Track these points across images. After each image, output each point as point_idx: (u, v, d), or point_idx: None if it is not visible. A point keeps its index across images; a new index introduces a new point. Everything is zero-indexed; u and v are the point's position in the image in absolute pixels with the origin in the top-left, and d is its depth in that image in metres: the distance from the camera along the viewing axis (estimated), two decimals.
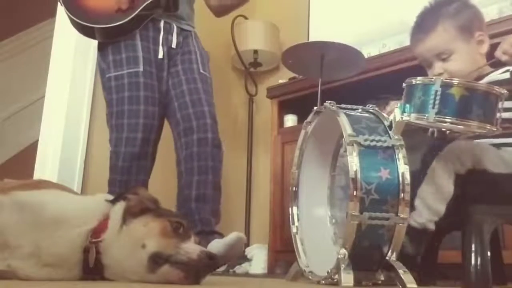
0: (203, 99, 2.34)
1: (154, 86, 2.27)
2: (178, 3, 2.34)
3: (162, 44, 2.32)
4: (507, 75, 1.53)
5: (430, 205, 1.44)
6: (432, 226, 1.45)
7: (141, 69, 2.22)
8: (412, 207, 1.43)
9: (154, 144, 2.30)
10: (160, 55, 2.30)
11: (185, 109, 2.31)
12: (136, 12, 2.23)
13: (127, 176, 2.18)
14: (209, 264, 1.19)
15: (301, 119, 3.06)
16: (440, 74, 1.64)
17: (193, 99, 2.32)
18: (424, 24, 1.72)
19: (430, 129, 1.72)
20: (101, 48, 2.32)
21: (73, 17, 2.23)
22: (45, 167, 2.82)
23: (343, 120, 1.37)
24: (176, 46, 2.37)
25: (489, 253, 1.40)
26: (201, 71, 2.40)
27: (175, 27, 2.38)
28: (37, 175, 2.80)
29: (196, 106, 2.31)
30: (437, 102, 1.27)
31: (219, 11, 2.66)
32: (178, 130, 2.32)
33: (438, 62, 1.66)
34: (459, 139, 1.63)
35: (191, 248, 1.19)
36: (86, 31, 2.29)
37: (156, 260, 1.16)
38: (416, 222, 1.45)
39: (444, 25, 1.66)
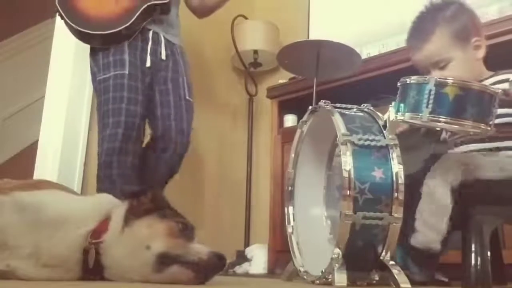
0: (185, 129, 2.41)
1: (138, 88, 2.31)
2: (170, 7, 2.39)
3: (150, 54, 2.37)
4: (506, 85, 1.52)
5: (432, 225, 1.41)
6: (437, 246, 1.42)
7: (126, 71, 2.27)
8: (411, 229, 1.43)
9: (137, 141, 2.31)
10: (148, 64, 2.35)
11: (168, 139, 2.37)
12: (134, 18, 2.28)
13: (109, 170, 2.20)
14: (218, 264, 1.20)
15: (301, 119, 3.06)
16: None
17: (178, 128, 2.38)
18: (420, 30, 1.70)
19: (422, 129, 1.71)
20: (93, 53, 2.37)
21: (72, 24, 2.27)
22: (45, 167, 2.81)
23: (337, 119, 1.37)
24: (166, 58, 2.42)
25: (489, 253, 1.40)
26: (187, 97, 2.45)
27: (163, 38, 2.42)
28: (37, 175, 2.79)
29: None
30: (431, 101, 1.27)
31: (201, 12, 2.72)
32: (156, 147, 2.39)
33: (436, 70, 1.64)
34: (459, 145, 1.64)
35: (200, 248, 1.20)
36: (84, 37, 2.33)
37: (164, 260, 1.17)
38: (419, 243, 1.42)
39: (440, 31, 1.64)
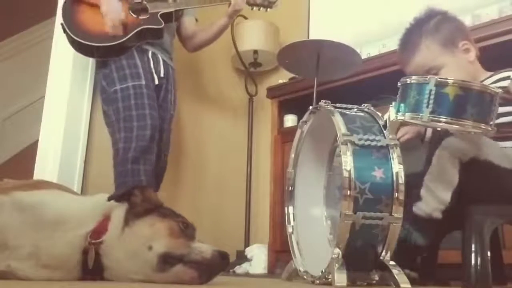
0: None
1: (154, 96, 2.57)
2: (162, 33, 2.62)
3: (155, 71, 2.64)
4: (507, 83, 1.52)
5: (436, 194, 1.43)
6: (438, 215, 1.44)
7: (143, 82, 2.52)
8: (418, 197, 1.45)
9: (158, 142, 2.52)
10: (156, 82, 2.61)
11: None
12: (129, 36, 2.51)
13: (136, 165, 2.39)
14: (222, 263, 1.20)
15: (301, 119, 3.06)
16: None
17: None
18: (407, 44, 1.75)
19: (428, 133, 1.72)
20: (102, 68, 2.58)
21: (73, 36, 2.48)
22: (45, 167, 2.81)
23: (338, 120, 1.37)
24: (163, 76, 2.68)
25: (489, 253, 1.40)
26: (171, 112, 2.75)
27: (161, 59, 2.68)
28: (37, 175, 2.79)
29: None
30: (431, 101, 1.27)
31: (192, 46, 3.01)
32: None
33: None
34: None
35: (203, 247, 1.20)
36: (83, 49, 2.55)
37: (167, 260, 1.17)
38: (422, 211, 1.44)
39: (426, 43, 1.69)
